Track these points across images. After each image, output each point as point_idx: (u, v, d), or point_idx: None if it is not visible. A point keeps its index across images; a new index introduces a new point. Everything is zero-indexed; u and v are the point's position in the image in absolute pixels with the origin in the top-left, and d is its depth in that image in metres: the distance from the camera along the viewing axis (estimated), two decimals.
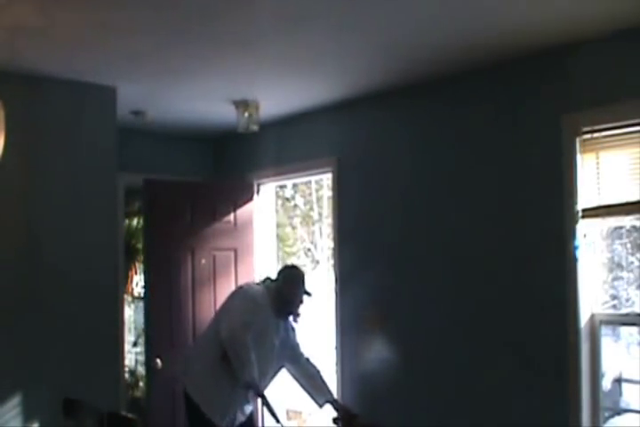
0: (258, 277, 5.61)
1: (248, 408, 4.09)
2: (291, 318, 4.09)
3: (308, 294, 4.03)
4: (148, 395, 5.25)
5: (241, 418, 4.05)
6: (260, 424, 5.38)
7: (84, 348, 4.18)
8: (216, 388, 3.89)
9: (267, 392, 3.87)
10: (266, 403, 3.81)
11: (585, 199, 3.69)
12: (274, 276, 4.13)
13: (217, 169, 5.97)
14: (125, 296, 6.15)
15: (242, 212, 5.58)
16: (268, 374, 3.96)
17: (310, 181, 8.41)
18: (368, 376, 4.71)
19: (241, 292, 4.07)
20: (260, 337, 3.81)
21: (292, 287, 3.98)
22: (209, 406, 3.90)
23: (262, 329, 3.86)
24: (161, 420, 4.98)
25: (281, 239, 8.85)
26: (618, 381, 3.99)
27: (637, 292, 3.80)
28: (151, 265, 5.25)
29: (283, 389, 5.56)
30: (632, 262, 3.91)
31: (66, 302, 4.16)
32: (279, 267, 4.37)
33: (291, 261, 9.81)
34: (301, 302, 4.02)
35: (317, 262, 9.65)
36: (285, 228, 9.79)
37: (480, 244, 4.16)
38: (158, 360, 5.07)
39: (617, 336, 4.05)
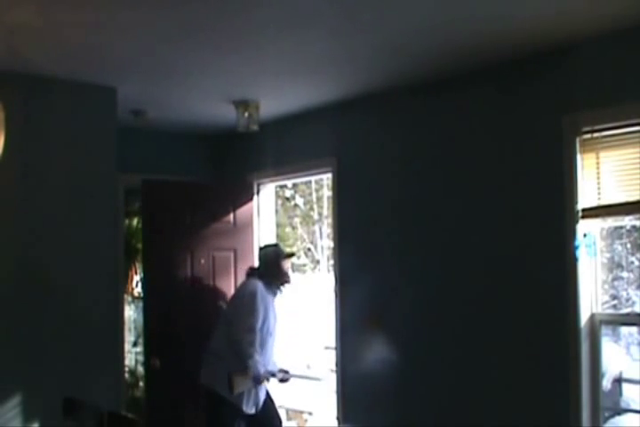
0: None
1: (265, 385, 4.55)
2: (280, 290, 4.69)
3: (292, 255, 4.92)
4: (148, 395, 5.25)
5: (261, 396, 4.54)
6: None
7: (83, 348, 4.18)
8: None
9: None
10: (267, 378, 4.47)
11: (585, 199, 3.69)
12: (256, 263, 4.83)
13: (217, 169, 5.96)
14: (125, 296, 6.15)
15: (241, 212, 5.58)
16: (269, 352, 4.55)
17: (310, 181, 8.41)
18: (368, 376, 4.71)
19: (243, 290, 4.64)
20: (265, 323, 4.43)
21: (278, 263, 4.64)
22: (236, 395, 4.32)
23: (266, 316, 4.45)
24: (161, 420, 4.98)
25: (281, 239, 8.85)
26: (618, 381, 3.99)
27: (637, 292, 3.81)
28: (151, 265, 5.25)
29: (283, 389, 5.56)
30: (632, 262, 3.92)
31: (66, 302, 4.15)
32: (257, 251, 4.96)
33: (290, 260, 9.81)
34: (290, 269, 4.76)
35: (317, 262, 9.65)
36: (285, 228, 9.79)
37: (480, 244, 4.15)
38: (157, 360, 5.07)
39: (617, 336, 4.06)
